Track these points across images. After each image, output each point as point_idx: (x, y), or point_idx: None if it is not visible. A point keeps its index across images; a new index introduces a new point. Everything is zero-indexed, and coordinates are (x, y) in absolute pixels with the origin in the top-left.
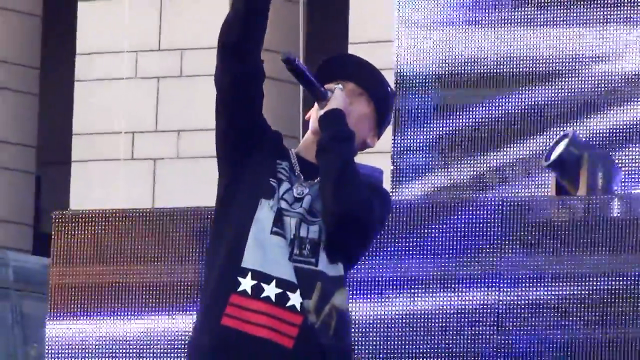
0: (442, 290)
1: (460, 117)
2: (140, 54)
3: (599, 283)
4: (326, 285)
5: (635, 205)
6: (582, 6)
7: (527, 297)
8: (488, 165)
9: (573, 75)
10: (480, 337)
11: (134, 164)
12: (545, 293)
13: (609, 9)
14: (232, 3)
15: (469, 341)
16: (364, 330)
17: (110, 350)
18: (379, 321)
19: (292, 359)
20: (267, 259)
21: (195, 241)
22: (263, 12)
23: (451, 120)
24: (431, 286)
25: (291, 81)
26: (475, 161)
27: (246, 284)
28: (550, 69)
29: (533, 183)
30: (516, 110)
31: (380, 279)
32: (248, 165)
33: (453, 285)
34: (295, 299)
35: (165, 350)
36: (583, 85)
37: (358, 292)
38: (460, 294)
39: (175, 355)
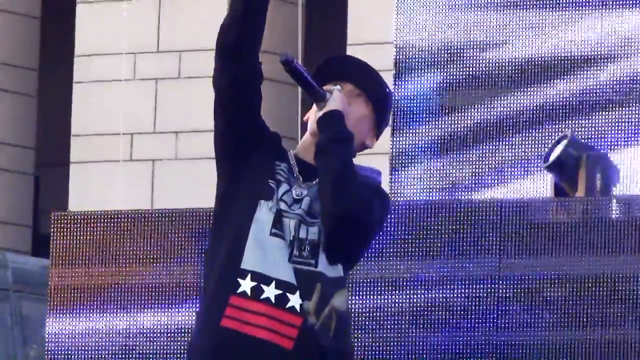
0: (440, 290)
1: (460, 117)
2: (138, 56)
3: (597, 284)
4: (326, 286)
5: (634, 207)
6: None
7: (525, 298)
8: (487, 165)
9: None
10: (479, 337)
11: (132, 165)
12: (544, 294)
13: None
14: (230, 5)
15: (467, 341)
16: (364, 330)
17: (110, 352)
18: (378, 321)
19: None
20: (267, 261)
21: (194, 242)
22: (261, 13)
23: (450, 121)
24: (429, 287)
25: (289, 83)
26: (474, 161)
27: (246, 285)
28: (551, 70)
29: (532, 184)
30: (515, 110)
31: (378, 279)
32: (247, 167)
33: (452, 286)
34: (295, 300)
35: (165, 351)
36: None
37: (357, 293)
38: (459, 294)
39: (175, 356)
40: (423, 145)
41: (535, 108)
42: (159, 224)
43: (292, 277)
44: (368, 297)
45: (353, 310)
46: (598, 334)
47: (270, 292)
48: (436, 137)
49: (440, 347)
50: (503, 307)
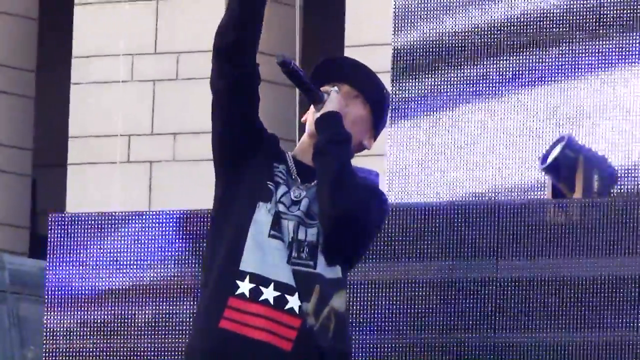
0: (438, 293)
1: (458, 117)
2: (136, 57)
3: (595, 286)
4: (325, 287)
5: (632, 208)
6: None
7: (523, 300)
8: (485, 165)
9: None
10: (476, 339)
11: (130, 166)
12: (541, 296)
13: None
14: (227, 6)
15: (464, 342)
16: (362, 331)
17: (108, 353)
18: (376, 322)
19: None
20: (266, 262)
21: (192, 244)
22: (258, 15)
23: (448, 121)
24: (427, 289)
25: (287, 84)
26: (472, 163)
27: (244, 287)
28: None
29: (529, 185)
30: (514, 111)
31: (377, 281)
32: (245, 169)
33: (449, 288)
34: (293, 301)
35: (163, 352)
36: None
37: (355, 294)
38: (456, 296)
39: (174, 357)
40: (421, 146)
41: (535, 110)
42: (156, 226)
43: (291, 279)
44: (365, 298)
45: (351, 311)
46: (595, 336)
47: (269, 293)
48: (433, 139)
49: (437, 348)
50: (500, 308)
